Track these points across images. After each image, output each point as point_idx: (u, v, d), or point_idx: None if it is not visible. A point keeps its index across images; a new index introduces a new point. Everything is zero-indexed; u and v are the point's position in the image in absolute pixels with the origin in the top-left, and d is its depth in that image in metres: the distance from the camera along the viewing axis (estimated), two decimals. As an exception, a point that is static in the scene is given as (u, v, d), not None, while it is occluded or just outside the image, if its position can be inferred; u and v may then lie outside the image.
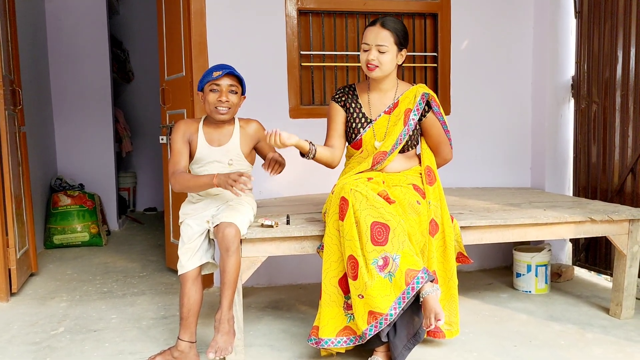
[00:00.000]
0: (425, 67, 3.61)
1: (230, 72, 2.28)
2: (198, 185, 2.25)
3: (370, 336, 2.09)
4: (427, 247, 2.30)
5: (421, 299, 2.07)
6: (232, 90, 2.29)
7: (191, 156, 2.36)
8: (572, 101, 3.53)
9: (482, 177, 3.67)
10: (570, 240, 3.57)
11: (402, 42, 2.37)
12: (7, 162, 3.05)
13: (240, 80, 2.32)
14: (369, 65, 2.36)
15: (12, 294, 3.13)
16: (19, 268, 3.18)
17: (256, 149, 2.47)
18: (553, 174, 3.58)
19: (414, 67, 3.59)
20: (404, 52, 2.40)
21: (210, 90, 2.27)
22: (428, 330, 2.29)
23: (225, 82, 2.27)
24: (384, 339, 2.12)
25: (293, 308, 2.96)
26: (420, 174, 2.45)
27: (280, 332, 2.61)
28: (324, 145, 2.49)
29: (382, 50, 2.32)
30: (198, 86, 2.34)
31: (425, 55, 3.59)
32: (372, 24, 2.37)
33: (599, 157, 3.30)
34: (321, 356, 2.29)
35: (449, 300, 2.38)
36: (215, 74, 2.25)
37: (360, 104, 2.48)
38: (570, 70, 3.52)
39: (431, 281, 2.10)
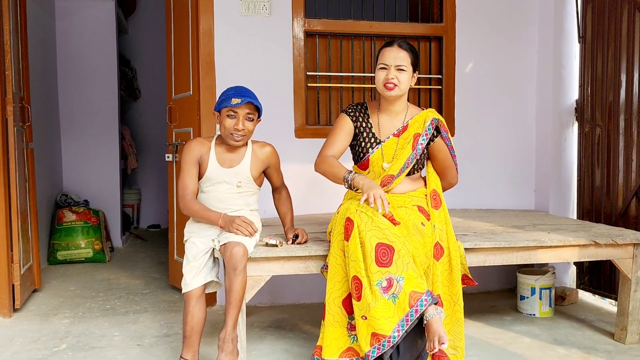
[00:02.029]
0: (430, 89, 3.64)
1: (251, 102, 2.29)
2: (204, 218, 2.31)
3: (373, 358, 2.08)
4: (431, 271, 2.30)
5: (425, 322, 2.06)
6: (249, 118, 2.31)
7: (200, 174, 2.38)
8: (576, 125, 3.55)
9: (485, 198, 3.67)
10: (575, 263, 3.56)
11: (416, 63, 2.43)
12: (14, 177, 3.07)
13: (257, 108, 2.34)
14: (387, 85, 2.36)
15: (15, 310, 3.13)
16: (23, 284, 3.18)
17: (265, 173, 2.48)
18: (557, 197, 3.59)
19: (419, 89, 3.62)
20: (417, 74, 2.45)
21: (227, 116, 2.29)
22: (432, 353, 2.27)
23: (243, 110, 2.29)
24: (387, 361, 2.11)
25: (296, 328, 2.95)
26: (426, 195, 2.46)
27: (283, 352, 2.60)
28: (323, 153, 2.43)
29: (402, 69, 2.36)
30: (216, 106, 2.34)
31: (430, 78, 3.63)
32: (389, 44, 2.41)
33: (602, 180, 3.31)
34: (324, 377, 2.28)
35: (454, 324, 2.37)
36: (234, 100, 2.25)
37: (371, 123, 2.50)
38: (574, 94, 3.55)
39: (435, 304, 2.10)
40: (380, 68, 2.39)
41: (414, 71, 2.42)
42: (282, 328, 2.94)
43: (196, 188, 2.37)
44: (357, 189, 2.24)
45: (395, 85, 2.36)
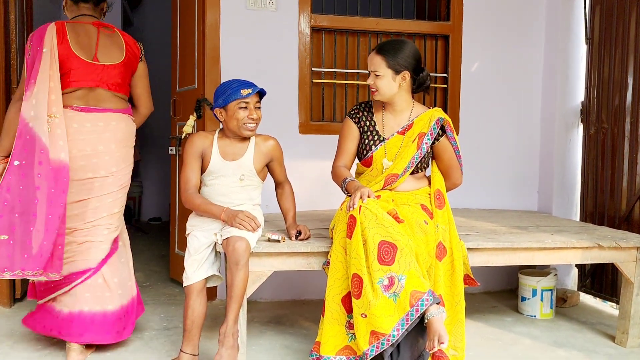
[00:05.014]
0: (435, 87, 3.63)
1: (258, 90, 2.33)
2: (206, 212, 2.31)
3: (371, 357, 2.07)
4: (433, 270, 2.29)
5: (426, 321, 2.05)
6: (258, 107, 2.34)
7: (203, 168, 2.37)
8: (581, 126, 3.53)
9: (489, 198, 3.66)
10: (577, 265, 3.55)
11: (397, 66, 2.35)
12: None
13: (262, 96, 2.38)
14: (371, 89, 2.43)
15: (15, 300, 3.13)
16: (24, 274, 3.16)
17: (268, 167, 2.48)
18: (560, 198, 3.58)
19: (424, 87, 3.61)
20: (406, 75, 2.38)
21: (239, 108, 2.29)
22: (432, 353, 2.27)
23: (253, 99, 2.32)
24: (387, 360, 2.10)
25: (296, 324, 2.94)
26: (429, 194, 2.45)
27: (283, 347, 2.60)
28: (335, 164, 2.52)
29: (377, 75, 2.37)
30: (220, 102, 2.32)
31: (436, 76, 3.61)
32: (373, 49, 2.43)
33: (607, 182, 3.29)
34: (323, 374, 2.27)
35: (455, 324, 2.36)
36: (245, 91, 2.28)
37: (374, 121, 2.49)
38: (580, 95, 3.53)
39: (437, 303, 2.09)
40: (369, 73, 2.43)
41: (397, 73, 2.36)
42: (282, 324, 2.94)
43: (199, 182, 2.37)
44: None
45: (375, 90, 2.39)
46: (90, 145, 2.35)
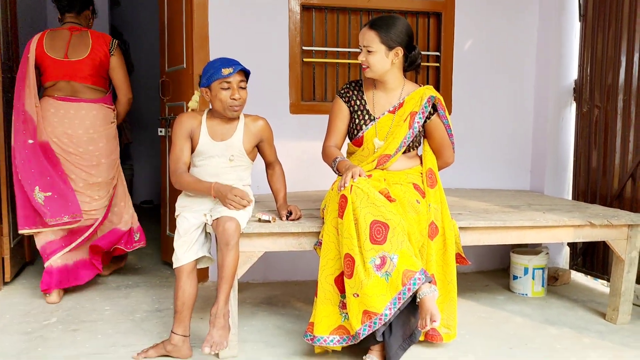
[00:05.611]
0: (428, 66, 3.59)
1: (241, 69, 2.26)
2: (196, 190, 2.29)
3: (364, 336, 2.07)
4: (425, 250, 2.28)
5: (418, 300, 2.05)
6: (242, 87, 2.28)
7: (192, 149, 2.34)
8: (574, 105, 3.52)
9: (481, 178, 3.65)
10: (568, 244, 3.56)
11: (390, 42, 2.32)
12: (2, 147, 3.02)
13: (246, 75, 2.31)
14: (362, 66, 2.39)
15: (5, 283, 3.11)
16: (13, 257, 3.15)
17: (258, 147, 2.45)
18: (553, 178, 3.57)
19: (416, 66, 3.57)
20: (399, 51, 2.35)
21: (222, 88, 2.24)
22: (424, 331, 2.28)
23: (236, 79, 2.25)
24: (379, 339, 2.09)
25: (288, 304, 2.94)
26: (422, 173, 2.44)
27: (275, 328, 2.59)
28: (325, 144, 2.49)
29: (369, 51, 2.32)
30: (204, 82, 2.28)
31: (428, 55, 3.57)
32: (365, 24, 2.37)
33: (599, 161, 3.29)
34: (315, 353, 2.28)
35: (447, 303, 2.36)
36: (226, 70, 2.21)
37: (365, 100, 2.46)
38: (573, 73, 3.51)
39: (429, 282, 2.08)
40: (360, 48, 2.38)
41: (391, 49, 2.33)
42: (274, 305, 2.93)
43: (188, 161, 2.34)
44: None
45: (367, 67, 2.35)
46: (63, 128, 2.90)
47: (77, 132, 2.91)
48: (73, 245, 2.97)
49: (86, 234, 2.99)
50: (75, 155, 2.92)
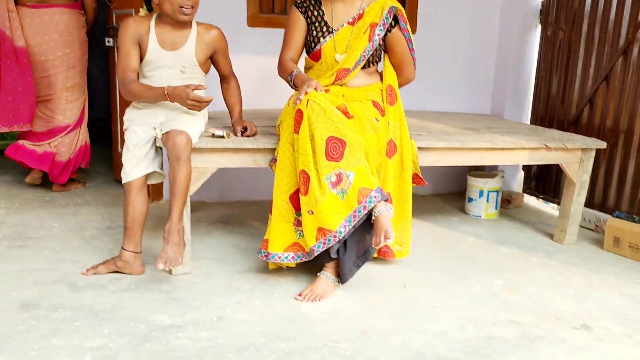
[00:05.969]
0: (394, -19, 3.42)
1: None
2: (149, 97, 2.14)
3: (318, 253, 2.06)
4: (382, 168, 2.25)
5: (373, 218, 2.04)
6: None
7: (141, 57, 2.18)
8: (540, 28, 3.45)
9: (443, 101, 3.61)
10: (523, 168, 3.62)
11: None
12: None
13: None
14: None
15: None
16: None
17: (212, 59, 2.31)
18: (513, 102, 3.56)
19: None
20: None
21: None
22: (378, 249, 2.29)
23: None
24: (334, 255, 2.09)
25: (245, 223, 2.91)
26: (381, 90, 2.36)
27: (231, 246, 2.57)
28: (281, 57, 2.36)
29: None
30: None
31: (395, -31, 3.40)
32: None
33: (559, 87, 3.28)
34: (269, 270, 2.27)
35: (402, 221, 2.37)
36: None
37: (322, 11, 2.33)
38: (541, -6, 3.42)
39: (385, 201, 2.07)
40: None
41: None
42: (230, 224, 2.90)
43: (137, 69, 2.19)
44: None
45: None
46: (39, 34, 3.08)
47: (53, 36, 3.09)
48: (46, 142, 3.21)
49: (62, 134, 3.24)
50: (53, 60, 3.13)
